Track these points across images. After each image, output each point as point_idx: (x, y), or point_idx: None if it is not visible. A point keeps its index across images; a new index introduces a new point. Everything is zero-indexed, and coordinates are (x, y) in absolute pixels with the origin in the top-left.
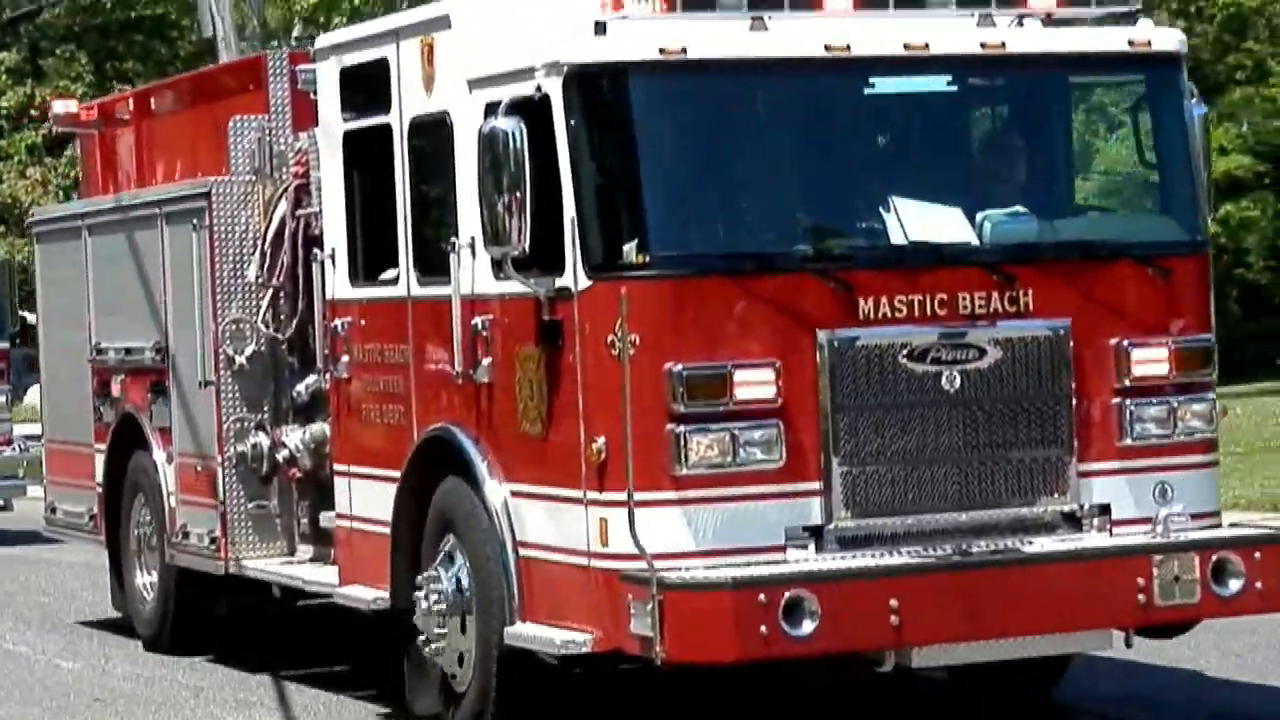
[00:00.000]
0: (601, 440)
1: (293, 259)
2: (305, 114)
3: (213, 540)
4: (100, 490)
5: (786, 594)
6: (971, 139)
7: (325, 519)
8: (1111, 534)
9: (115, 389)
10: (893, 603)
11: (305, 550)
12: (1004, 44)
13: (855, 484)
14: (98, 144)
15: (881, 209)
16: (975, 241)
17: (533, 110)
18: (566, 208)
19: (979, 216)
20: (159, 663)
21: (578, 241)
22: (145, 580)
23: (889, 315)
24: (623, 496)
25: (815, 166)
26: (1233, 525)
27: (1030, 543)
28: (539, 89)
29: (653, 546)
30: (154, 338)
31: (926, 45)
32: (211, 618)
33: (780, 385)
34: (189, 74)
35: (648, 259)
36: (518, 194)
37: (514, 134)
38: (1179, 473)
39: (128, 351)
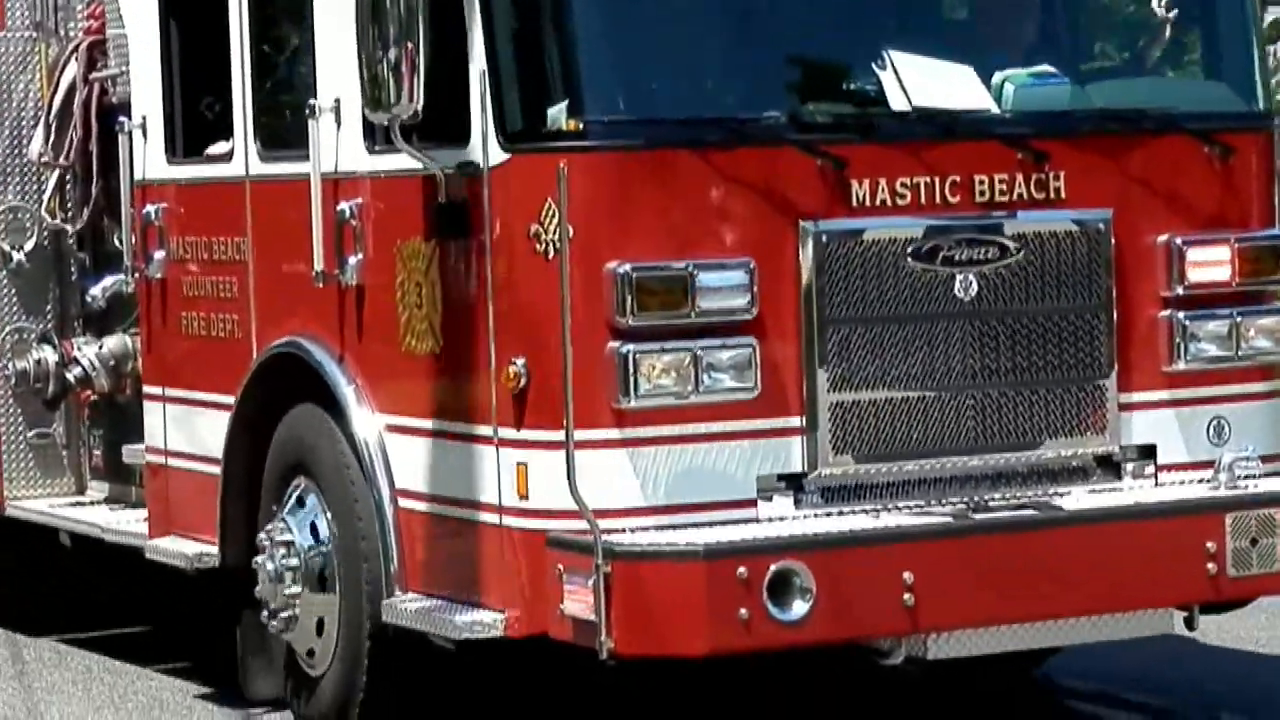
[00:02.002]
0: (521, 363)
1: (85, 133)
2: None
3: None
4: None
5: (773, 566)
6: None
7: (129, 453)
8: (1156, 482)
9: None
10: (906, 576)
11: (98, 488)
12: None
13: (846, 420)
14: None
15: (879, 67)
16: (994, 109)
17: None
18: (474, 58)
19: (998, 78)
20: None
21: (489, 102)
22: None
23: (889, 203)
24: (549, 436)
25: (799, 11)
26: None
27: (1064, 495)
28: None
29: (592, 501)
30: None
31: None
32: None
33: (755, 292)
34: None
35: (583, 125)
36: (409, 42)
37: None
38: (1239, 405)
39: None
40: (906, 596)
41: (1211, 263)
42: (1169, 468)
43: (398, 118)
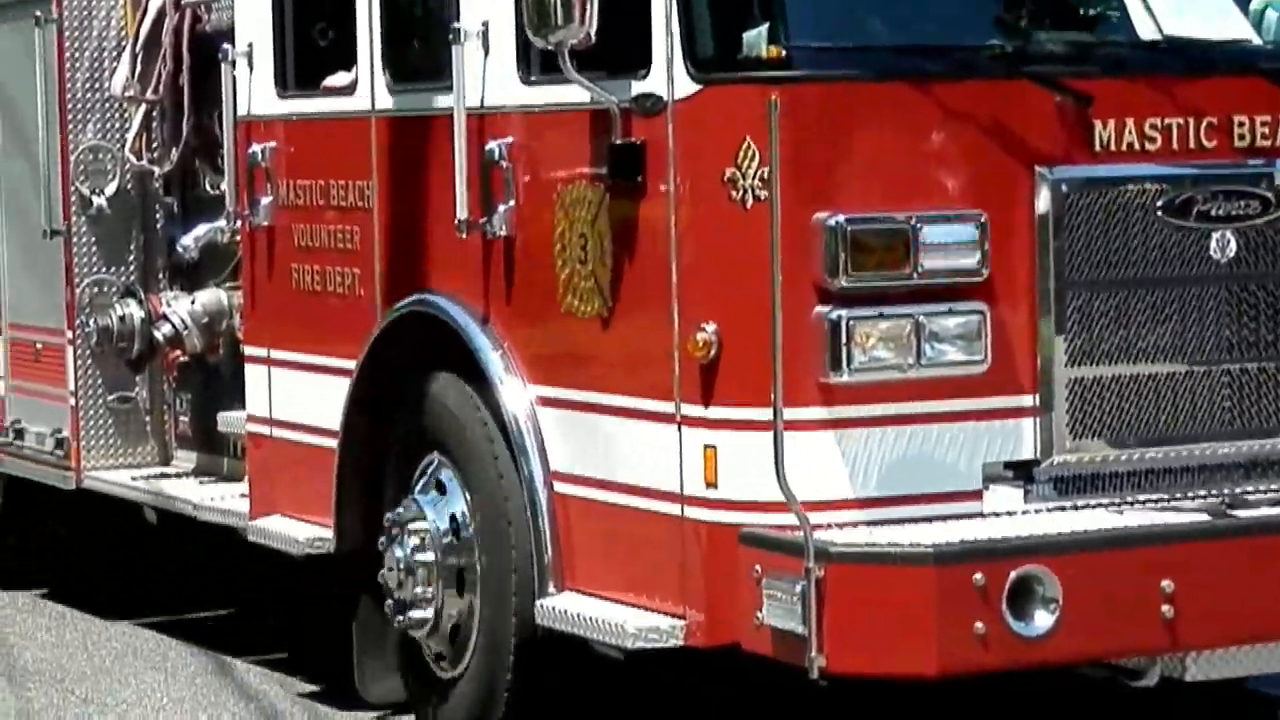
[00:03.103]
0: (711, 328)
1: (175, 65)
2: None
3: (59, 443)
4: None
5: (1014, 572)
6: None
7: (225, 421)
8: None
9: None
10: (1165, 585)
11: (185, 459)
12: None
13: (1086, 399)
14: None
15: None
16: (1256, 40)
17: None
18: None
19: (1259, 3)
20: None
21: (675, 25)
22: None
23: (1136, 146)
24: (745, 414)
25: None
26: None
27: None
28: None
29: (798, 492)
30: None
31: None
32: (50, 541)
33: (986, 250)
34: None
35: (785, 53)
36: None
37: None
38: None
39: None
40: (1166, 608)
41: None
42: None
43: (566, 41)
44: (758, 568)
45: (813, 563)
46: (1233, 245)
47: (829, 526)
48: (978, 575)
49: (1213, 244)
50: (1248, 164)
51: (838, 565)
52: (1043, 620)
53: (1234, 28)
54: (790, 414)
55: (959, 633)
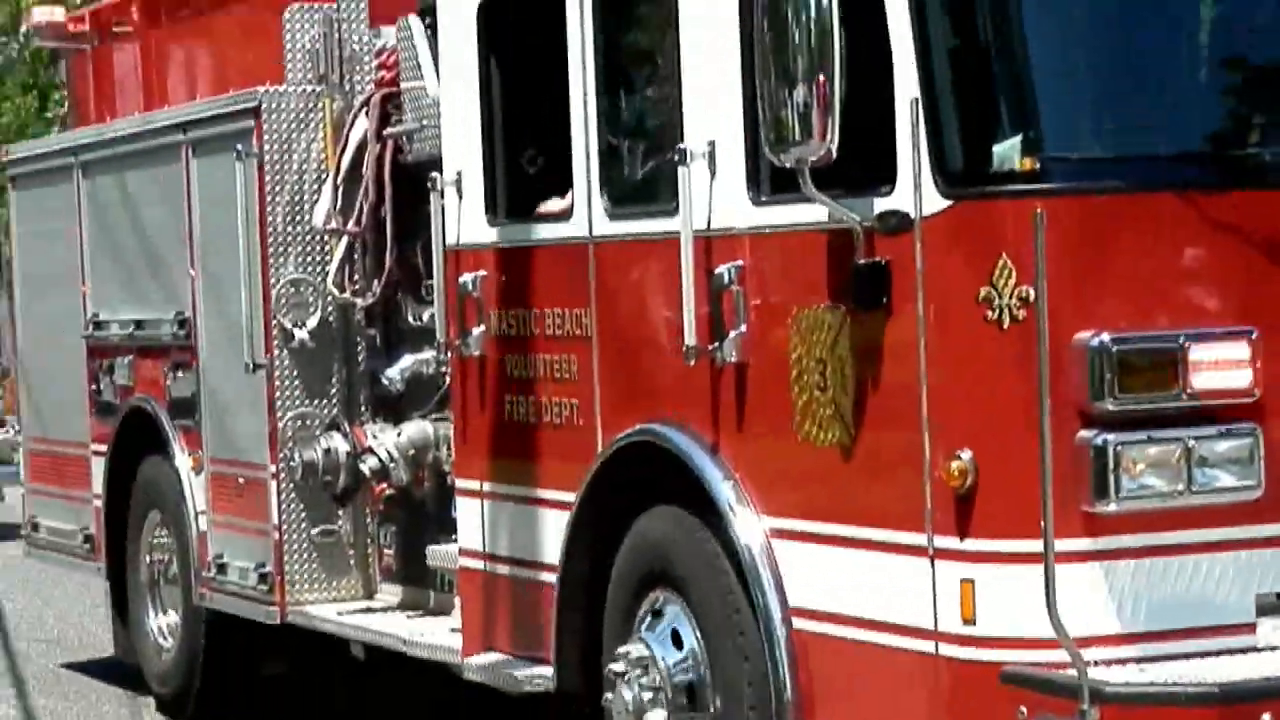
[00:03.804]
0: (967, 456)
1: (378, 196)
2: (387, 2)
3: (262, 578)
4: (100, 505)
5: None
6: None
7: (436, 555)
8: None
9: (120, 375)
10: None
11: (389, 592)
12: None
13: None
14: (91, 62)
15: None
16: None
17: None
18: (901, 86)
19: None
20: None
21: (922, 139)
22: (161, 623)
23: None
24: (1005, 547)
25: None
26: None
27: None
28: None
29: (1067, 628)
30: (174, 307)
31: None
32: (255, 677)
33: (1258, 367)
34: None
35: (1040, 165)
36: (823, 72)
37: None
38: None
39: (137, 325)
40: None
41: None
42: None
43: (806, 159)
44: (1023, 709)
45: (1088, 704)
46: None
47: (1098, 664)
48: (1266, 716)
49: None
50: None
51: (1115, 706)
52: None
53: None
54: (1056, 545)
55: None
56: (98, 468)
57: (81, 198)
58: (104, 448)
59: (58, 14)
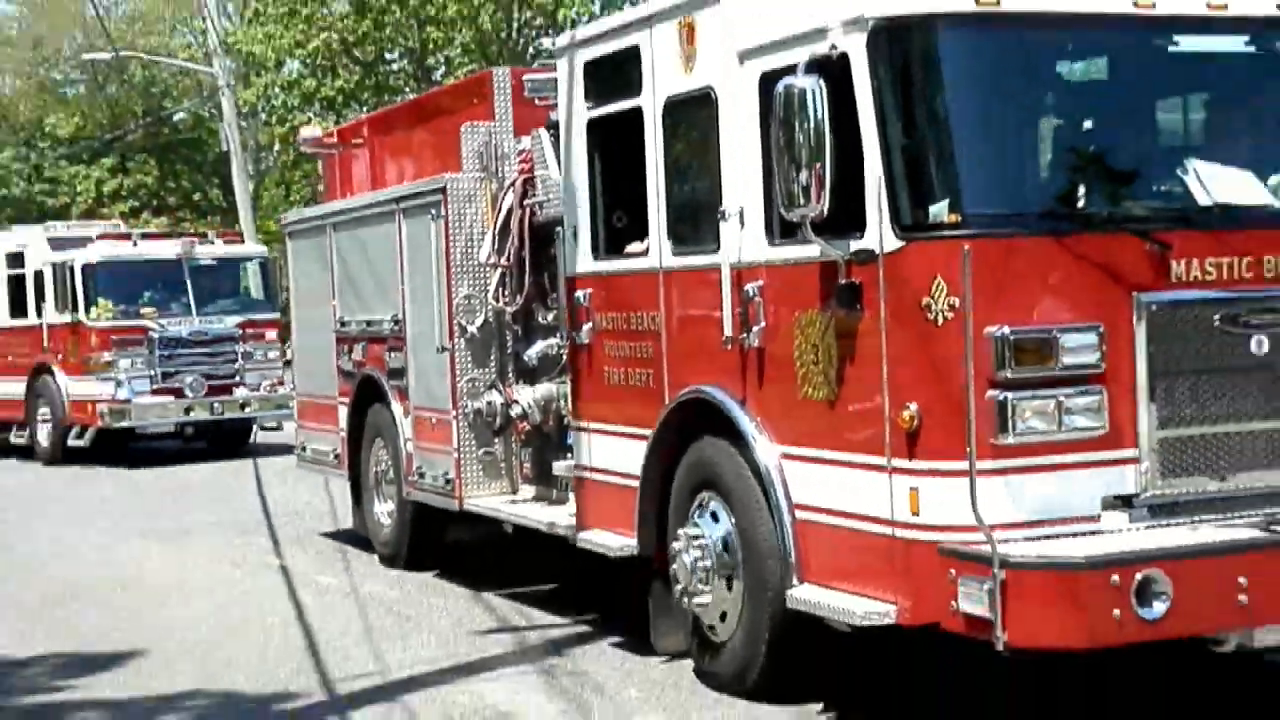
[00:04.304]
0: (914, 407)
1: (520, 243)
2: (525, 120)
3: (447, 481)
4: (343, 435)
5: (1139, 574)
6: (1267, 102)
7: (558, 468)
8: None
9: (356, 354)
10: (1241, 580)
11: (526, 490)
12: None
13: (1169, 451)
14: (337, 161)
15: (1182, 170)
16: (1275, 204)
17: (828, 70)
18: (869, 167)
19: (1274, 180)
20: (399, 578)
21: (884, 201)
22: (383, 508)
23: (1200, 278)
24: (940, 465)
25: (1123, 124)
26: None
27: None
28: (833, 47)
29: (984, 519)
30: (391, 312)
31: (1226, 5)
32: (441, 542)
33: (1104, 350)
34: (418, 97)
35: (961, 218)
36: (818, 154)
37: (814, 92)
38: None
39: (368, 324)
40: (1241, 597)
41: None
42: None
43: (808, 215)
44: (953, 571)
45: (998, 569)
46: (1266, 344)
47: (1003, 542)
48: (1114, 577)
49: (1252, 344)
50: (1275, 290)
51: (1015, 571)
52: (1159, 608)
53: (1261, 195)
54: (975, 465)
55: (1102, 617)
56: (342, 412)
57: (332, 245)
58: (346, 399)
59: (316, 131)
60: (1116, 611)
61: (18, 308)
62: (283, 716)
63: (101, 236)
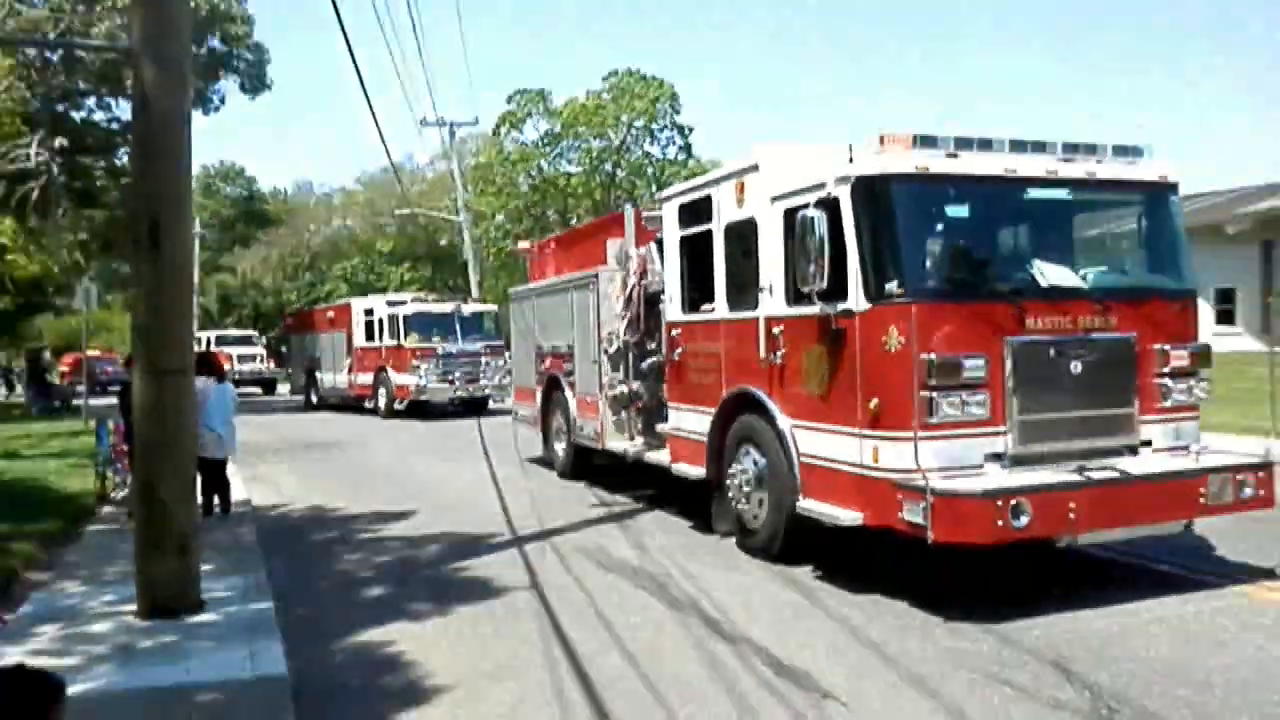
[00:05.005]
0: (876, 400)
1: (639, 306)
2: (643, 237)
3: (595, 433)
4: (539, 406)
5: (1013, 500)
6: (1078, 227)
7: (661, 428)
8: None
9: (547, 364)
10: (1071, 505)
11: (638, 440)
12: (1095, 173)
13: (1025, 427)
14: (535, 259)
15: (1030, 267)
16: (1085, 286)
17: (826, 206)
18: (851, 263)
19: (1083, 272)
20: (566, 484)
21: (860, 282)
22: (559, 446)
23: (1040, 328)
24: (894, 434)
25: (998, 239)
26: (1223, 453)
27: (1129, 464)
28: (829, 194)
29: (921, 465)
30: (566, 340)
31: (1055, 171)
32: (592, 466)
33: (988, 369)
34: (580, 226)
35: (905, 292)
36: (820, 254)
37: (817, 219)
38: (1190, 422)
39: (553, 347)
40: (1071, 515)
41: (1179, 357)
42: (1160, 450)
43: (814, 288)
44: (900, 496)
45: (929, 496)
46: (1078, 366)
47: (931, 479)
48: (999, 501)
49: (1071, 365)
50: (1085, 335)
51: (939, 498)
52: (1024, 520)
53: (1073, 280)
54: (913, 435)
55: (992, 525)
56: (538, 394)
57: (533, 306)
58: (539, 387)
59: (526, 243)
60: (1000, 522)
61: (370, 338)
62: (489, 542)
63: (413, 299)
